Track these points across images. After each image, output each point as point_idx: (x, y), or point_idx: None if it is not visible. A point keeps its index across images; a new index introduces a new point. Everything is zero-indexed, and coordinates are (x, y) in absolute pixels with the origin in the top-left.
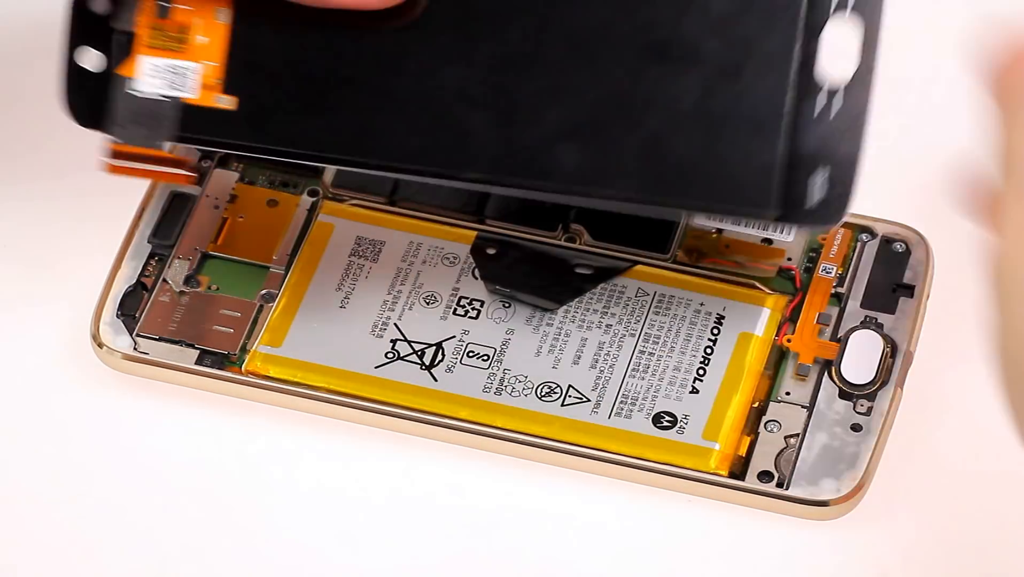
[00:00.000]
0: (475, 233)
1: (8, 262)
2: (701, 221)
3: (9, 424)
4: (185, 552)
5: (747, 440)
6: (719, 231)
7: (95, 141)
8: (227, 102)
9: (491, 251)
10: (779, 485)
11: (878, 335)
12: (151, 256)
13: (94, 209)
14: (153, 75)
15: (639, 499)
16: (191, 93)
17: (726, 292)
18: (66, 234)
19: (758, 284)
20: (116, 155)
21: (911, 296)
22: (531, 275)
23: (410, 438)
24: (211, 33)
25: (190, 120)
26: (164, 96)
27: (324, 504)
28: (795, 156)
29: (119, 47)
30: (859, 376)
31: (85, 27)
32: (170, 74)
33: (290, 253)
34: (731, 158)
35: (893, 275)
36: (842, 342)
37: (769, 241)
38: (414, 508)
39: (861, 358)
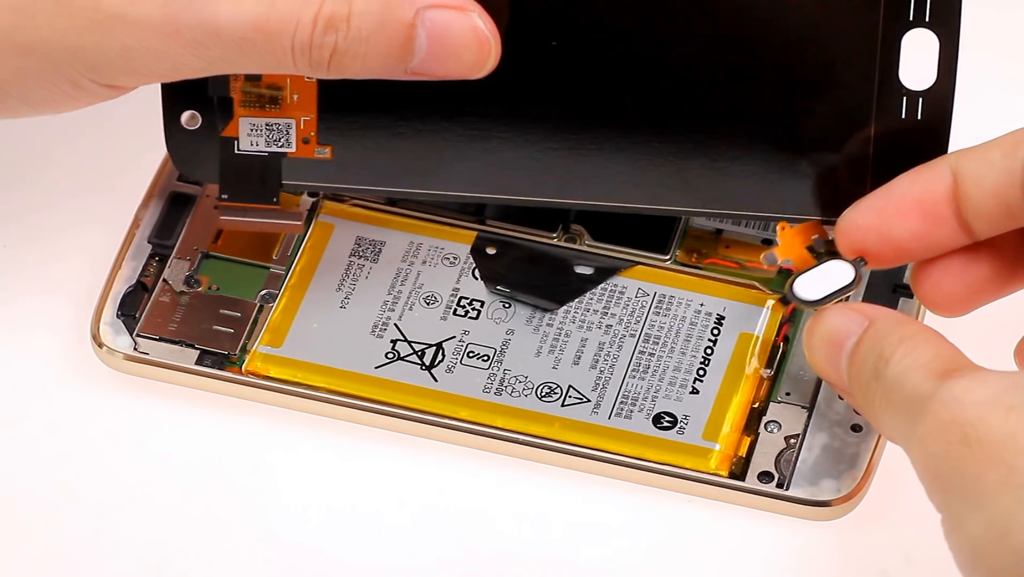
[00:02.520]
0: (475, 233)
1: (8, 262)
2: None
3: (9, 424)
4: (185, 552)
5: (747, 440)
6: (719, 231)
7: (94, 142)
8: (324, 152)
9: (491, 251)
10: (779, 485)
11: (850, 266)
12: (151, 256)
13: (94, 209)
14: (254, 134)
15: (639, 499)
16: (291, 148)
17: (726, 292)
18: (66, 234)
19: (758, 284)
20: (226, 211)
21: (911, 296)
22: (531, 275)
23: (410, 438)
24: (301, 90)
25: (291, 172)
26: (266, 152)
27: (324, 504)
28: (880, 159)
29: (218, 106)
30: (809, 293)
31: (182, 90)
32: (269, 131)
33: (290, 253)
34: (826, 170)
35: (893, 275)
36: (819, 261)
37: (769, 241)
38: (414, 508)
39: (821, 281)
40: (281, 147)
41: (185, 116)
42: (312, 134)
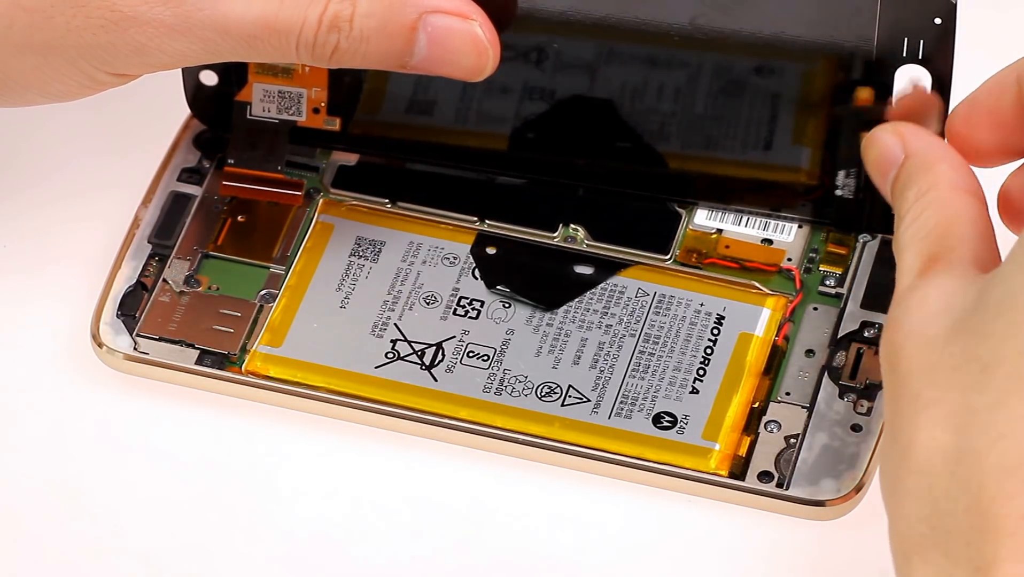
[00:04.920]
0: (475, 233)
1: (8, 262)
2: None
3: (9, 424)
4: (185, 551)
5: (747, 440)
6: (719, 231)
7: (95, 140)
8: (333, 124)
9: (491, 251)
10: (779, 485)
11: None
12: (151, 256)
13: (94, 209)
14: (266, 100)
15: (639, 499)
16: (301, 116)
17: (726, 292)
18: (66, 234)
19: (758, 284)
20: (231, 177)
21: None
22: (531, 275)
23: (410, 438)
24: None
25: (300, 139)
26: (277, 119)
27: (324, 504)
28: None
29: (234, 70)
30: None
31: None
32: (281, 99)
33: (290, 253)
34: (818, 179)
35: (893, 276)
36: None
37: (769, 241)
38: (414, 508)
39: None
40: (292, 115)
41: (204, 74)
42: (322, 104)
